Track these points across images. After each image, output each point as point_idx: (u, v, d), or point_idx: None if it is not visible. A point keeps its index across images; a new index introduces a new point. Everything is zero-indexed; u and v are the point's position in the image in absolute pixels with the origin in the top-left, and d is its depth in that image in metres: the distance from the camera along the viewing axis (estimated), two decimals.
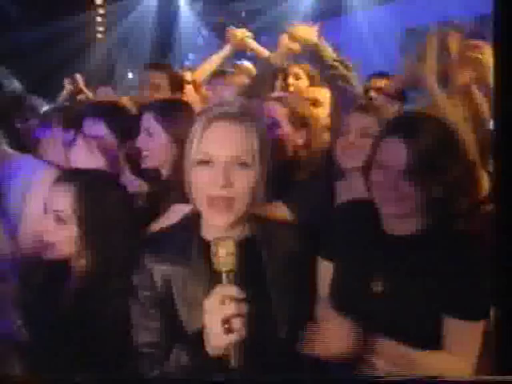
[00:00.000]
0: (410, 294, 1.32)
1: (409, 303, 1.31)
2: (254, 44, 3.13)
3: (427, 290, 1.30)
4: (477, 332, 1.28)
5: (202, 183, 1.20)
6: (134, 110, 2.96)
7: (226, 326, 1.02)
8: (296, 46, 2.42)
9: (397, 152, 1.30)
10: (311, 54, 2.33)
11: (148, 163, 1.93)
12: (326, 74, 2.26)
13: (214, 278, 1.07)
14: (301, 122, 2.01)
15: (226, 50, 3.23)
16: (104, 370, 1.31)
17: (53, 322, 1.42)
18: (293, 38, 2.37)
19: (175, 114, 1.89)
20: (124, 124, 2.03)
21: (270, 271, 1.29)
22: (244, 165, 1.19)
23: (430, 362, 1.29)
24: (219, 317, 1.02)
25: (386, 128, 1.41)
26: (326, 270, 1.47)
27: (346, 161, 1.84)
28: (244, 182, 1.19)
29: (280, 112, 2.00)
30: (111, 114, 2.07)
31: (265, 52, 3.06)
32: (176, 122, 1.85)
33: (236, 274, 1.05)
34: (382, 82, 2.95)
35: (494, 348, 1.06)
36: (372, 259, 1.39)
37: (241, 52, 3.46)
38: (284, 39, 2.45)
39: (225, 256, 1.04)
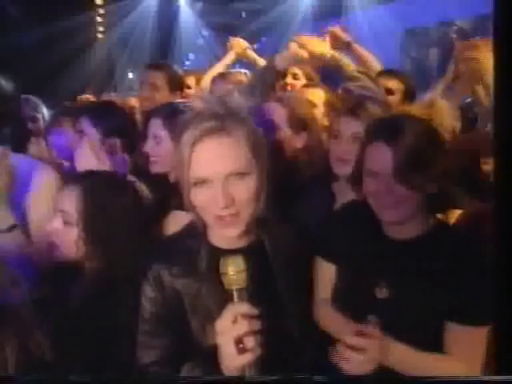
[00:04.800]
0: (413, 299, 1.30)
1: (412, 309, 1.30)
2: (253, 54, 3.32)
3: (430, 295, 1.29)
4: (481, 336, 1.25)
5: (204, 204, 1.16)
6: (139, 111, 2.98)
7: (240, 345, 0.99)
8: (304, 54, 2.38)
9: (382, 156, 1.29)
10: (332, 67, 2.29)
11: (157, 168, 1.93)
12: (347, 85, 2.21)
13: (226, 292, 1.04)
14: (301, 124, 1.99)
15: (229, 58, 3.36)
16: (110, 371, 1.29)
17: (62, 323, 1.41)
18: (304, 49, 2.31)
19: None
20: (111, 122, 2.01)
21: (278, 274, 1.27)
22: (241, 175, 1.14)
23: (435, 365, 1.28)
24: (232, 337, 0.99)
25: (369, 134, 1.40)
26: (326, 270, 1.47)
27: (339, 169, 1.84)
28: (246, 192, 1.15)
29: (280, 114, 1.98)
30: (98, 112, 2.06)
31: (260, 60, 3.21)
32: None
33: (247, 290, 1.02)
34: (391, 83, 2.91)
35: (493, 348, 1.06)
36: (374, 264, 1.38)
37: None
38: (293, 45, 2.41)
39: (235, 274, 1.01)
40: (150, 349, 1.23)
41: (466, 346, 1.27)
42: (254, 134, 1.18)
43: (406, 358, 1.26)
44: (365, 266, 1.39)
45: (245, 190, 1.15)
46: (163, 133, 1.86)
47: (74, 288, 1.48)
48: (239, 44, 3.33)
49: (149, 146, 1.90)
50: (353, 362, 1.20)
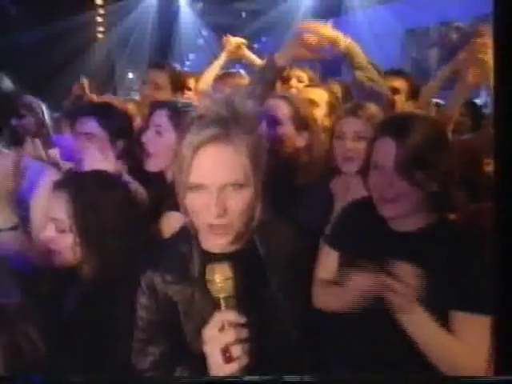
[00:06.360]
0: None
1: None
2: (247, 52, 3.26)
3: (433, 285, 1.28)
4: (486, 325, 1.23)
5: (198, 210, 1.15)
6: (139, 113, 2.97)
7: (227, 354, 0.98)
8: (304, 52, 2.34)
9: (387, 151, 1.33)
10: (344, 55, 2.26)
11: (153, 166, 1.88)
12: (357, 75, 2.21)
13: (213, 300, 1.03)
14: (304, 123, 1.99)
15: (222, 57, 3.29)
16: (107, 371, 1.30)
17: (58, 327, 1.40)
18: (314, 34, 2.27)
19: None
20: (116, 122, 2.00)
21: (272, 276, 1.26)
22: (238, 186, 1.13)
23: (445, 337, 1.26)
24: (219, 345, 0.98)
25: (378, 129, 1.44)
26: (329, 256, 1.51)
27: (347, 166, 1.88)
28: (239, 203, 1.14)
29: (284, 111, 1.98)
30: (103, 111, 2.04)
31: (258, 60, 3.15)
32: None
33: (235, 298, 1.01)
34: (397, 82, 2.91)
35: (493, 348, 1.05)
36: (377, 256, 1.39)
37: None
38: (294, 43, 2.38)
39: (222, 282, 1.00)
40: (144, 355, 1.24)
41: (472, 334, 1.25)
42: (257, 144, 1.17)
43: (424, 324, 1.26)
44: (368, 258, 1.40)
45: (239, 202, 1.14)
46: (166, 124, 1.82)
47: (71, 291, 1.48)
48: (232, 42, 3.24)
49: (148, 136, 1.85)
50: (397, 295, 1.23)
